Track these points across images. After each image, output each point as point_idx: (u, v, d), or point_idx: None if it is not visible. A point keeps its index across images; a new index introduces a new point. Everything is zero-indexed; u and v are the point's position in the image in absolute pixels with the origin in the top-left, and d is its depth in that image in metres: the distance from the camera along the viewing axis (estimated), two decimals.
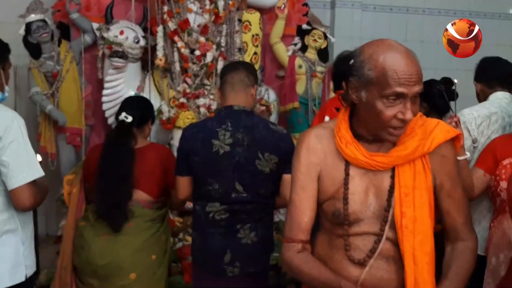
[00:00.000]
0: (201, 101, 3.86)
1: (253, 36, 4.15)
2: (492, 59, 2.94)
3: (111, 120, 3.95)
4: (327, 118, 2.90)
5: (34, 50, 3.98)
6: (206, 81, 3.98)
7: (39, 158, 3.49)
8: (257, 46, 4.21)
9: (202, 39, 3.88)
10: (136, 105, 2.91)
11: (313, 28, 4.46)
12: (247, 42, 4.15)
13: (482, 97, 2.92)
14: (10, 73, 2.38)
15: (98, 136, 4.26)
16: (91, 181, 2.82)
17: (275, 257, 2.92)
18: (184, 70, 3.94)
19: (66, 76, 4.04)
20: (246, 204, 2.35)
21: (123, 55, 3.82)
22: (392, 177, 1.61)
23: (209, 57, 3.88)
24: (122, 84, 3.91)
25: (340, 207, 1.62)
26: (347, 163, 1.63)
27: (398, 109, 1.50)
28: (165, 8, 3.88)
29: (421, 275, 1.58)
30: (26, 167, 2.09)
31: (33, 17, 3.93)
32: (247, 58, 4.10)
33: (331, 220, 1.66)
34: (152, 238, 2.71)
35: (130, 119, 2.77)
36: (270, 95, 4.31)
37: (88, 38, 4.08)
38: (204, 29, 3.90)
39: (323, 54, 4.53)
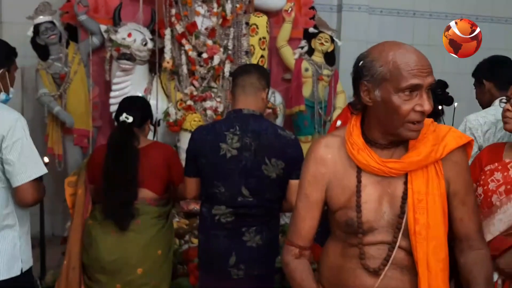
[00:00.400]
0: (208, 103, 3.88)
1: (260, 39, 4.16)
2: (502, 59, 2.86)
3: None
4: (339, 123, 2.90)
5: (42, 51, 4.01)
6: (213, 84, 3.99)
7: (46, 159, 3.53)
8: (264, 49, 4.22)
9: (209, 42, 3.90)
10: (135, 105, 2.94)
11: (320, 32, 4.46)
12: (254, 45, 4.16)
13: (487, 97, 2.84)
14: (16, 74, 2.47)
15: (105, 138, 4.22)
16: (96, 182, 2.86)
17: (281, 260, 2.92)
18: (191, 73, 3.96)
19: (74, 77, 4.06)
20: (252, 208, 2.36)
21: (130, 57, 3.84)
22: (406, 183, 1.59)
23: (216, 60, 3.89)
24: (129, 86, 3.93)
25: (353, 216, 1.60)
26: (359, 171, 1.62)
27: (415, 102, 1.49)
28: (173, 11, 3.90)
29: (435, 282, 1.56)
30: (31, 165, 2.19)
31: (41, 18, 3.95)
32: (254, 61, 4.11)
33: (344, 229, 1.64)
34: (158, 234, 2.79)
35: (130, 119, 2.81)
36: (276, 98, 4.32)
37: (96, 40, 4.10)
38: (211, 32, 3.92)
39: (329, 57, 4.54)
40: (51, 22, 3.97)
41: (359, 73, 1.56)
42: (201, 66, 3.91)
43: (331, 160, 1.66)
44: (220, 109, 3.87)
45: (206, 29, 3.92)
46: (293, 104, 4.39)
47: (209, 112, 3.86)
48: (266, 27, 4.20)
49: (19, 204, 2.24)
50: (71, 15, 4.15)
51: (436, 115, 2.99)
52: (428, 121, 1.61)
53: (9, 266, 2.22)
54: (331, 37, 4.50)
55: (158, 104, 3.94)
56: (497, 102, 2.73)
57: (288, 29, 4.39)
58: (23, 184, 2.17)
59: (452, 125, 3.32)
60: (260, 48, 4.19)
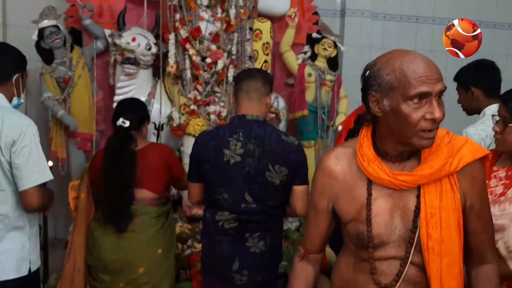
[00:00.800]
0: (211, 108, 3.88)
1: (263, 44, 4.17)
2: (489, 63, 2.77)
3: None
4: (340, 127, 2.90)
5: (47, 55, 4.02)
6: (216, 89, 4.00)
7: (50, 163, 3.54)
8: (267, 54, 4.22)
9: (213, 47, 3.90)
10: (132, 108, 2.98)
11: (323, 37, 4.47)
12: (257, 50, 4.16)
13: (475, 104, 2.76)
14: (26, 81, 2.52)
15: None
16: (98, 186, 2.90)
17: (284, 265, 2.93)
18: (195, 77, 3.96)
19: (78, 81, 4.07)
20: (255, 214, 2.36)
21: (134, 62, 3.84)
22: (418, 196, 1.54)
23: (220, 65, 3.90)
24: (133, 90, 3.93)
25: (364, 230, 1.57)
26: (370, 183, 1.58)
27: (425, 110, 1.45)
28: (177, 16, 3.91)
29: None
30: (37, 171, 2.25)
31: (46, 22, 3.96)
32: (257, 66, 4.10)
33: (356, 242, 1.62)
34: (157, 234, 2.85)
35: (127, 123, 2.84)
36: (280, 103, 4.32)
37: (100, 44, 4.11)
38: (215, 37, 3.93)
39: (332, 62, 4.54)
40: (56, 26, 3.98)
41: (367, 83, 1.53)
42: (205, 70, 3.92)
43: (340, 171, 1.64)
44: (224, 114, 3.88)
45: (210, 34, 3.92)
46: (296, 109, 4.39)
47: (212, 117, 3.86)
48: (270, 32, 4.21)
49: (24, 208, 2.28)
50: (76, 19, 4.17)
51: None
52: (443, 131, 1.57)
53: (18, 266, 2.29)
54: (334, 42, 4.50)
55: (162, 109, 3.96)
56: (488, 111, 2.65)
57: (292, 34, 4.40)
58: (29, 188, 2.23)
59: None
60: (264, 53, 4.20)
